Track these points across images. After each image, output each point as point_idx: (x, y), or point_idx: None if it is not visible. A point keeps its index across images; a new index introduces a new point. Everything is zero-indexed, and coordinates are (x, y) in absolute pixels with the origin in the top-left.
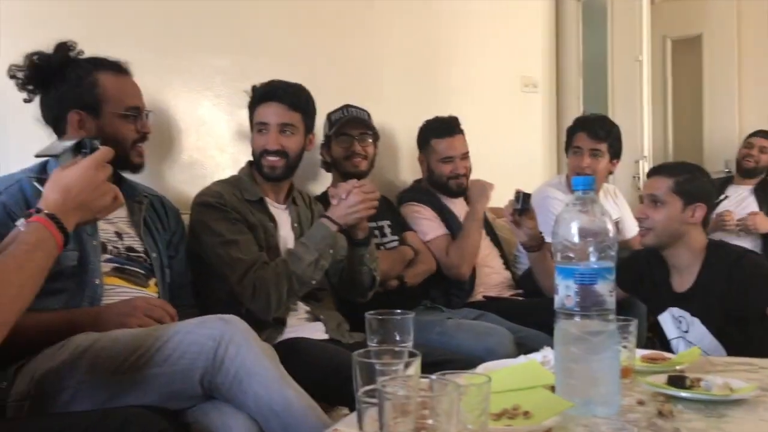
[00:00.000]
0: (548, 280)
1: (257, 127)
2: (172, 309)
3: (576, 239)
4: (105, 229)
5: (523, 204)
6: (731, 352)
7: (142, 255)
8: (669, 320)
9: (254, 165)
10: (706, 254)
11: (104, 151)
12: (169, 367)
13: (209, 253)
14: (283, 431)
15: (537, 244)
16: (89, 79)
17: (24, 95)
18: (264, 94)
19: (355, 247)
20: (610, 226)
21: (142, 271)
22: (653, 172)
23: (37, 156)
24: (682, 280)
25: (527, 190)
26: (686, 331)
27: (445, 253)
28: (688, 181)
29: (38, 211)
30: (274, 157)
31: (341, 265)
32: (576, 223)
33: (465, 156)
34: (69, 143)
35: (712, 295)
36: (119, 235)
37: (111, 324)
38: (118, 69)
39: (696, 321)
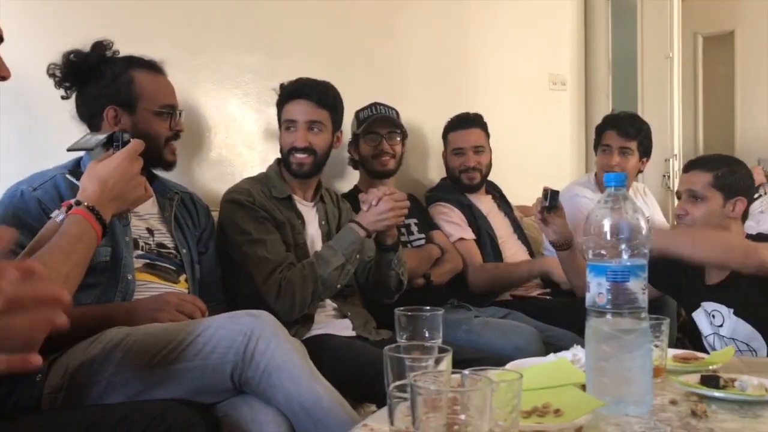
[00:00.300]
0: (578, 278)
1: (285, 124)
2: (202, 304)
3: (608, 236)
4: (137, 226)
5: (551, 201)
6: None
7: (172, 251)
8: (702, 316)
9: (282, 162)
10: None
11: (136, 144)
12: (200, 362)
13: (236, 251)
14: (312, 426)
15: (566, 243)
16: (125, 77)
17: (61, 92)
18: (292, 92)
19: (383, 252)
20: (643, 223)
21: (173, 267)
22: (691, 166)
23: (70, 150)
24: (718, 273)
25: (555, 188)
26: (720, 326)
27: (474, 266)
28: (727, 174)
29: (78, 203)
30: (303, 155)
31: (369, 266)
32: (608, 220)
33: (478, 150)
34: (101, 137)
35: (748, 285)
36: (151, 231)
37: (143, 318)
38: (153, 67)
39: (731, 312)
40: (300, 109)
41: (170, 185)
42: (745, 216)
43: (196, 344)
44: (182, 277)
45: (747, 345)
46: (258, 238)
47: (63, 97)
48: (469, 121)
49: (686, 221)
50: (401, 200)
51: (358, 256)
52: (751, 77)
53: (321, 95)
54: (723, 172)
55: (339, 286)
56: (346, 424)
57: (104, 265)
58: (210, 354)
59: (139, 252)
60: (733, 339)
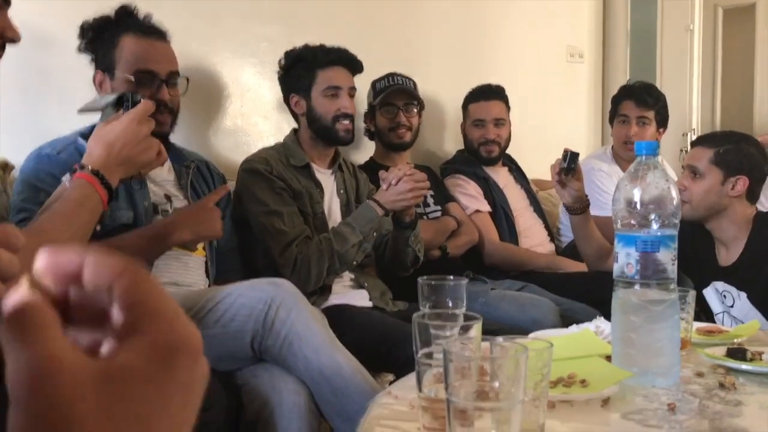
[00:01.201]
0: (589, 245)
1: (328, 91)
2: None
3: (638, 206)
4: (155, 192)
5: (570, 163)
6: None
7: None
8: (713, 295)
9: (319, 130)
10: (753, 226)
11: (146, 105)
12: (220, 329)
13: (253, 221)
14: (332, 395)
15: (581, 206)
16: (113, 40)
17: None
18: (334, 60)
19: (401, 230)
20: (674, 193)
21: None
22: (696, 142)
23: (80, 111)
24: (728, 254)
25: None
26: (731, 306)
27: (492, 243)
28: (730, 152)
29: (82, 167)
30: (348, 120)
31: (385, 239)
32: (638, 189)
33: (499, 122)
34: (110, 98)
35: (759, 269)
36: (168, 198)
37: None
38: (143, 30)
39: (743, 295)
40: (343, 76)
41: (186, 153)
42: (752, 195)
43: (216, 311)
44: (200, 245)
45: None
46: (275, 209)
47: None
48: (491, 93)
49: (684, 197)
50: (421, 180)
51: (375, 234)
52: None
53: (357, 63)
54: (726, 149)
55: (355, 263)
56: (367, 392)
57: (125, 229)
58: (230, 321)
59: (159, 217)
60: (744, 322)
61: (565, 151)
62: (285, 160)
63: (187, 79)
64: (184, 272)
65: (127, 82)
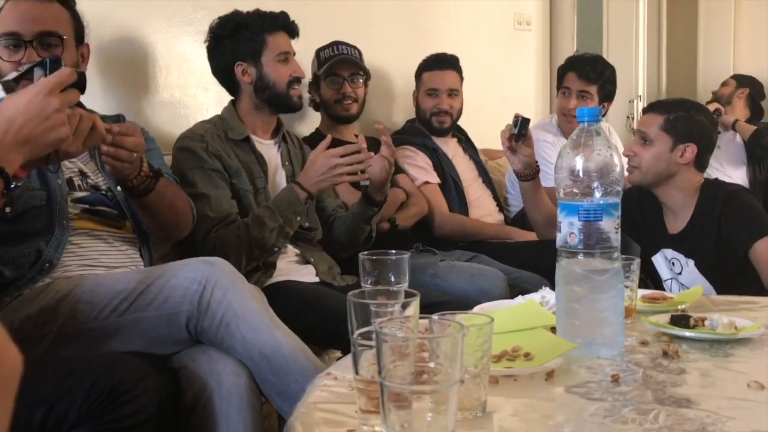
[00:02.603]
0: (538, 212)
1: (279, 57)
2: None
3: (580, 174)
4: (69, 168)
5: (521, 129)
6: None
7: (108, 193)
8: (662, 261)
9: (256, 99)
10: (700, 194)
11: (60, 74)
12: (153, 312)
13: None
14: (273, 375)
15: (531, 173)
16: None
17: None
18: (283, 26)
19: (368, 206)
20: (617, 160)
21: (115, 211)
22: (647, 109)
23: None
24: (676, 221)
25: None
26: (679, 273)
27: (441, 214)
28: (681, 119)
29: None
30: (299, 85)
31: (333, 216)
32: (581, 156)
33: (452, 93)
34: (28, 65)
35: (705, 237)
36: (83, 174)
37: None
38: None
39: (691, 263)
40: (289, 41)
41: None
42: (700, 163)
43: (148, 294)
44: (127, 222)
45: None
46: (201, 192)
47: None
48: (446, 62)
49: (633, 163)
50: (348, 153)
51: (299, 218)
52: (713, 17)
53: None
54: (676, 117)
55: (276, 249)
56: (309, 371)
57: (39, 210)
58: (163, 303)
59: (77, 195)
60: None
61: (516, 117)
62: (223, 133)
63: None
64: (114, 253)
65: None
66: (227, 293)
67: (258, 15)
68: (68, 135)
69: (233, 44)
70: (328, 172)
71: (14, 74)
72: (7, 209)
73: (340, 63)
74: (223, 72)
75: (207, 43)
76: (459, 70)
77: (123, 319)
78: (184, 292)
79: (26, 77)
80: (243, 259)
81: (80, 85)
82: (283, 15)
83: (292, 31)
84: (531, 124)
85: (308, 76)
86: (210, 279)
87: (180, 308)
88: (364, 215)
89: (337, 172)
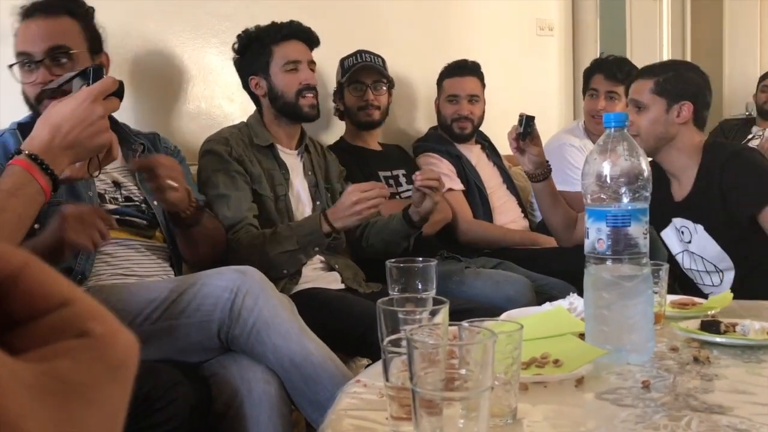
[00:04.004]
0: (555, 213)
1: (288, 65)
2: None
3: (608, 180)
4: (102, 179)
5: (526, 127)
6: (737, 260)
7: (142, 205)
8: (672, 234)
9: (283, 107)
10: (702, 156)
11: (104, 83)
12: (185, 320)
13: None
14: (302, 383)
15: (543, 172)
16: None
17: None
18: (289, 34)
19: (408, 227)
20: (644, 165)
21: (146, 222)
22: (636, 76)
23: (42, 92)
24: (681, 187)
25: (534, 121)
26: (689, 242)
27: (466, 220)
28: (670, 80)
29: (19, 152)
30: (311, 93)
31: (374, 226)
32: (608, 162)
33: (473, 99)
34: (70, 74)
35: (711, 199)
36: (117, 184)
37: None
38: (26, 14)
39: (699, 228)
40: (301, 49)
41: (134, 133)
42: (699, 121)
43: (181, 302)
44: (157, 232)
45: (715, 267)
46: (223, 193)
47: None
48: (466, 69)
49: (632, 131)
50: (370, 189)
51: (316, 249)
52: (739, 20)
53: (312, 35)
54: (665, 78)
55: (285, 271)
56: (338, 379)
57: None
58: (195, 312)
59: (108, 206)
60: (702, 258)
61: (521, 116)
62: (248, 139)
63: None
64: (146, 262)
65: (17, 65)
66: (258, 301)
67: (265, 28)
68: (111, 141)
69: (247, 58)
70: (351, 207)
71: (57, 83)
72: (36, 226)
73: (363, 70)
74: (244, 86)
75: (233, 60)
76: (480, 77)
77: (155, 327)
78: (215, 300)
79: (66, 86)
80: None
81: (120, 93)
82: (290, 24)
83: (305, 38)
84: (555, 129)
85: (333, 86)
86: (242, 287)
87: (212, 316)
88: (403, 233)
89: (363, 206)
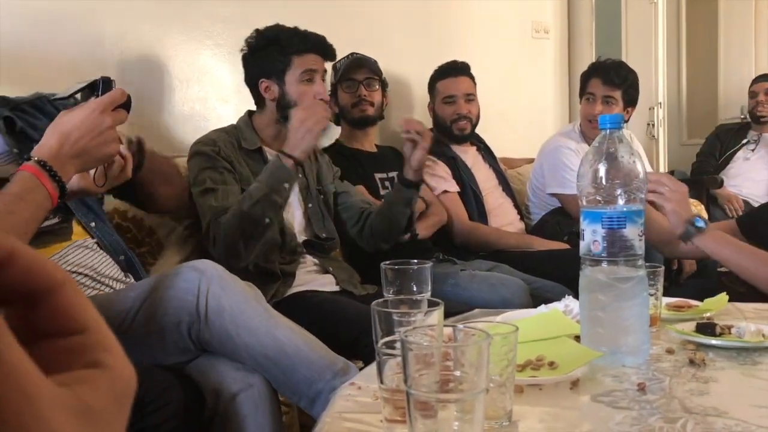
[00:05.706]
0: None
1: (305, 75)
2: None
3: (603, 181)
4: None
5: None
6: None
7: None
8: None
9: (277, 115)
10: None
11: (113, 94)
12: (156, 326)
13: (195, 204)
14: (281, 374)
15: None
16: None
17: None
18: (311, 47)
19: (405, 189)
20: (640, 167)
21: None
22: None
23: (53, 101)
24: None
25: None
26: None
27: (461, 222)
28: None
29: (28, 158)
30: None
31: (366, 212)
32: (603, 164)
33: (469, 98)
34: (80, 85)
35: None
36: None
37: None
38: None
39: None
40: (319, 62)
41: (19, 102)
42: None
43: (146, 310)
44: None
45: None
46: (211, 187)
47: None
48: (458, 69)
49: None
50: (313, 106)
51: (286, 185)
52: (734, 23)
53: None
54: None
55: (267, 220)
56: (315, 364)
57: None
58: (163, 317)
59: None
60: None
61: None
62: (236, 142)
63: None
64: (100, 263)
65: None
66: (221, 301)
67: (289, 34)
68: (118, 151)
69: (261, 60)
70: (299, 129)
71: (66, 93)
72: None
73: (355, 68)
74: (250, 83)
75: (242, 53)
76: (472, 76)
77: (128, 337)
78: (180, 303)
79: (76, 96)
80: (240, 240)
81: (128, 106)
82: (315, 37)
83: (325, 53)
84: (551, 132)
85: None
86: (202, 288)
87: (179, 318)
88: (402, 199)
89: (307, 125)
